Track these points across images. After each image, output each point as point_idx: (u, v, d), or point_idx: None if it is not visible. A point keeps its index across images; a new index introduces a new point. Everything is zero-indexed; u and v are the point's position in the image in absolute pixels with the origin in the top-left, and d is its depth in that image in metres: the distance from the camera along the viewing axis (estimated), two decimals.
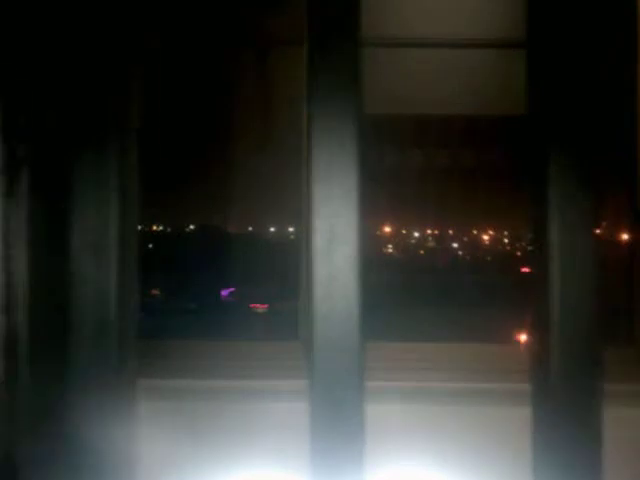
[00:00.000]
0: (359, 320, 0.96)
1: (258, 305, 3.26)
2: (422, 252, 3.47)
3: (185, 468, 1.87)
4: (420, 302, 3.20)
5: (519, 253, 3.35)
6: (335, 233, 0.95)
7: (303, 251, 2.37)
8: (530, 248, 1.09)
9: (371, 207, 3.06)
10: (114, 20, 0.94)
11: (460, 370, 2.25)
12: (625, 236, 2.51)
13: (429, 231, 3.48)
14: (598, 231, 2.58)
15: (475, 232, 3.43)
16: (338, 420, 0.95)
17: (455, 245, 3.46)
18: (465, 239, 3.45)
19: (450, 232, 3.48)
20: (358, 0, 1.00)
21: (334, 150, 0.96)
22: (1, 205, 0.73)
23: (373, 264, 3.50)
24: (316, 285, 0.94)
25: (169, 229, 3.35)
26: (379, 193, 3.22)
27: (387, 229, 3.44)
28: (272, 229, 3.37)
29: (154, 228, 3.33)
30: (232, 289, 3.31)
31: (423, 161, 3.24)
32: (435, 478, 1.93)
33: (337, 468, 0.95)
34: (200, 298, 3.27)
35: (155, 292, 3.34)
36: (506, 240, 3.42)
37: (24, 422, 0.81)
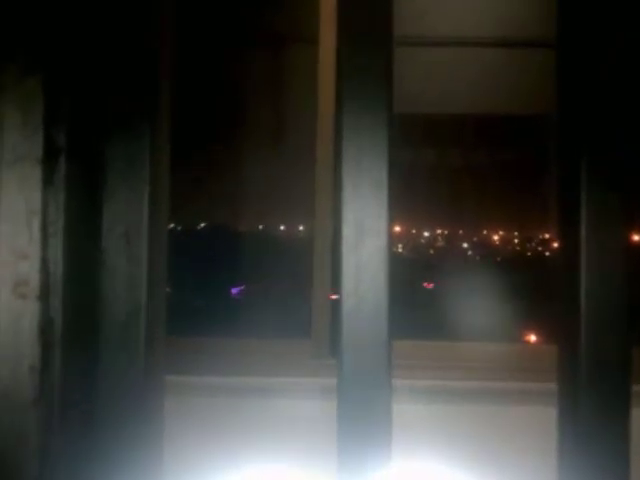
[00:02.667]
0: (388, 315, 0.96)
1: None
2: (432, 251, 3.47)
3: (211, 464, 1.88)
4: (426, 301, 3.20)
5: (529, 254, 3.35)
6: (364, 226, 0.95)
7: (316, 249, 2.37)
8: (557, 247, 1.09)
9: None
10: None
11: (471, 369, 2.26)
12: (635, 234, 2.52)
13: (439, 231, 3.48)
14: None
15: (485, 232, 3.43)
16: (365, 418, 0.95)
17: (465, 245, 3.46)
18: (475, 239, 3.45)
19: (460, 232, 3.48)
20: None
21: (364, 144, 0.96)
22: (40, 194, 0.74)
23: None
24: (344, 279, 0.94)
25: (179, 227, 3.35)
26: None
27: (397, 228, 3.44)
28: (282, 227, 3.38)
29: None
30: (242, 287, 3.32)
31: (434, 160, 3.25)
32: (459, 477, 1.94)
33: (364, 466, 0.95)
34: (210, 296, 3.27)
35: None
36: (516, 240, 3.42)
37: (56, 411, 0.81)
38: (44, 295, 0.76)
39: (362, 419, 0.94)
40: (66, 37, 0.80)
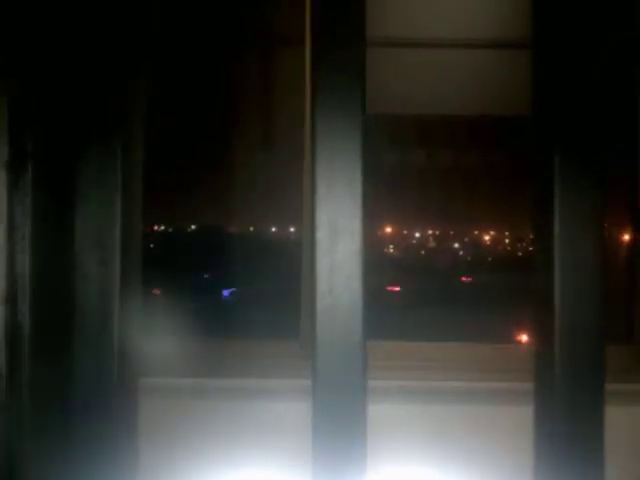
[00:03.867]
0: (362, 315, 0.96)
1: None
2: (423, 252, 3.47)
3: (186, 467, 1.87)
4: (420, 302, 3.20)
5: (520, 254, 3.35)
6: (338, 227, 0.95)
7: (305, 251, 2.37)
8: (532, 248, 1.09)
9: (372, 207, 3.05)
10: (120, 17, 0.94)
11: (460, 370, 2.25)
12: (626, 236, 2.52)
13: (430, 231, 3.48)
14: (611, 232, 2.56)
15: (476, 232, 3.43)
16: (340, 419, 0.95)
17: (456, 245, 3.46)
18: (466, 239, 3.45)
19: (451, 232, 3.48)
20: None
21: (338, 145, 0.96)
22: (6, 199, 0.74)
23: (376, 264, 3.50)
24: (318, 279, 0.94)
25: (170, 229, 3.35)
26: (380, 193, 3.22)
27: (388, 229, 3.44)
28: (273, 229, 3.37)
29: (155, 228, 3.33)
30: (233, 289, 3.31)
31: (425, 161, 3.24)
32: (437, 477, 1.93)
33: (339, 467, 0.95)
34: (201, 298, 3.27)
35: (155, 292, 3.34)
36: (507, 240, 3.42)
37: (25, 417, 0.81)
38: (11, 300, 0.76)
39: (337, 419, 0.94)
40: (34, 42, 0.80)
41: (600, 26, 1.01)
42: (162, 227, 3.33)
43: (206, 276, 3.18)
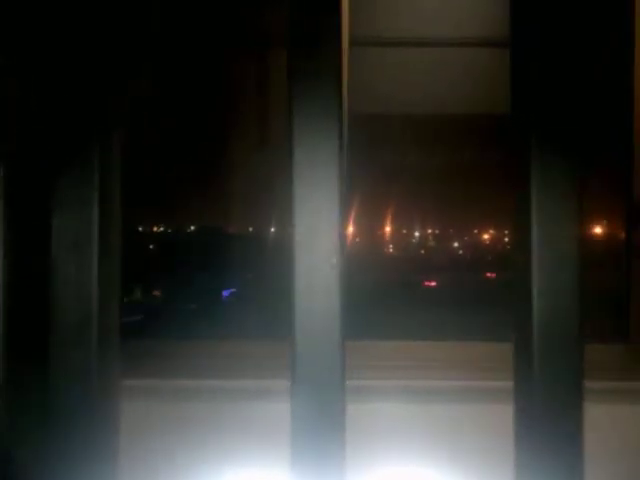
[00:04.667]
0: (340, 315, 0.96)
1: None
2: (423, 251, 3.47)
3: (170, 469, 1.88)
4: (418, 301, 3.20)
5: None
6: (316, 227, 0.95)
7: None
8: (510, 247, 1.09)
9: (372, 207, 3.06)
10: (101, 22, 0.95)
11: (452, 369, 2.25)
12: (621, 232, 2.51)
13: (430, 230, 3.48)
14: (599, 229, 2.56)
15: (476, 231, 3.43)
16: (319, 418, 0.95)
17: (456, 244, 3.46)
18: (466, 238, 3.45)
19: (451, 231, 3.48)
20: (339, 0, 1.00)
21: (315, 146, 0.96)
22: None
23: (376, 264, 3.50)
24: (296, 279, 0.94)
25: (169, 230, 3.36)
26: (379, 193, 3.22)
27: (388, 229, 3.44)
28: (273, 229, 3.38)
29: (155, 229, 3.34)
30: (233, 290, 3.32)
31: (423, 161, 3.24)
32: (436, 477, 1.94)
33: (318, 466, 0.95)
34: (201, 299, 3.28)
35: (156, 293, 3.35)
36: (506, 239, 3.42)
37: (3, 423, 0.81)
38: None
39: (316, 419, 0.95)
40: (10, 45, 0.80)
41: (579, 23, 1.01)
42: (161, 228, 3.35)
43: (206, 277, 3.18)
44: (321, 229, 0.96)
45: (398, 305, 3.10)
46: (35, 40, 0.90)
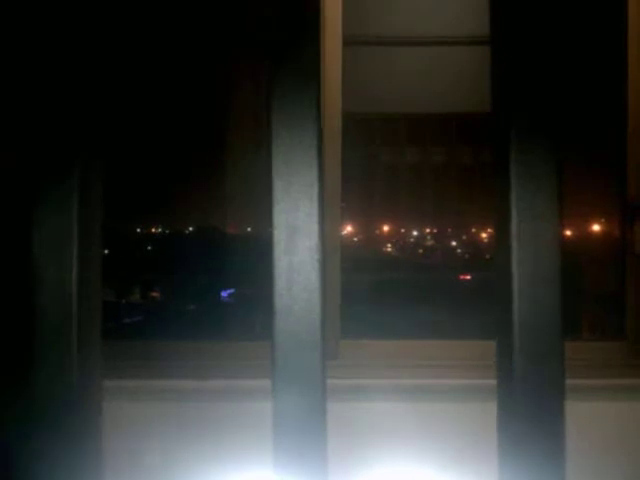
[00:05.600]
0: (321, 315, 0.96)
1: None
2: (421, 251, 3.47)
3: (152, 469, 1.89)
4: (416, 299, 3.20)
5: None
6: (295, 226, 0.96)
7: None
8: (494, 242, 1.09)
9: (370, 207, 3.05)
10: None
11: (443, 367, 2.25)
12: (617, 230, 2.51)
13: (428, 230, 3.48)
14: (600, 227, 2.56)
15: (474, 230, 3.43)
16: (300, 417, 0.95)
17: (454, 243, 3.46)
18: (464, 237, 3.45)
19: (449, 230, 3.48)
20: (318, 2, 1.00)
21: (294, 145, 0.96)
22: None
23: (374, 263, 3.50)
24: (276, 278, 0.95)
25: (168, 231, 3.37)
26: (377, 193, 3.22)
27: (386, 228, 3.44)
28: (270, 229, 3.38)
29: (153, 230, 3.35)
30: (232, 290, 3.33)
31: (420, 160, 3.24)
32: (432, 476, 1.94)
33: (301, 466, 0.95)
34: (199, 300, 3.28)
35: (154, 294, 3.36)
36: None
37: None
38: None
39: (297, 418, 0.95)
40: None
41: (558, 19, 1.01)
42: (160, 229, 3.35)
43: (204, 278, 3.19)
44: (300, 229, 0.97)
45: None
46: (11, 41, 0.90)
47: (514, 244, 0.97)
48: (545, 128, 0.98)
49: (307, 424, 0.94)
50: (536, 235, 0.97)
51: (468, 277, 3.38)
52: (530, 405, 0.96)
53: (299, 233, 0.96)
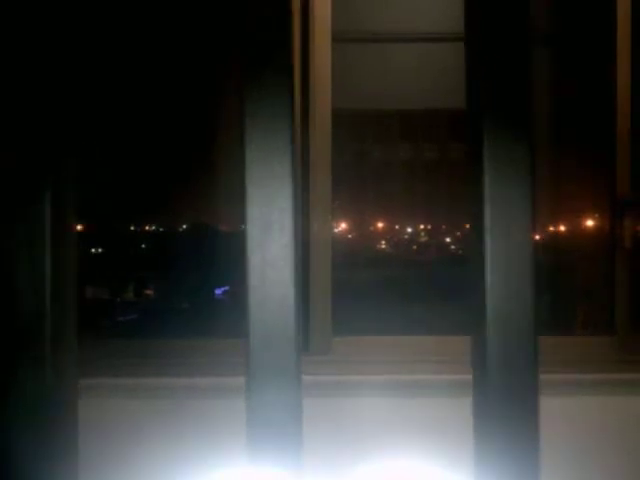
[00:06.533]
0: (295, 310, 0.96)
1: None
2: (415, 247, 3.47)
3: (129, 467, 1.89)
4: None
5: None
6: (269, 221, 0.96)
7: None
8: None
9: (364, 204, 3.05)
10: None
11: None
12: (607, 225, 2.51)
13: (422, 226, 3.48)
14: (590, 222, 2.56)
15: (468, 226, 3.42)
16: (275, 413, 0.95)
17: (448, 239, 3.46)
18: (458, 234, 3.45)
19: (443, 227, 3.48)
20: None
21: (267, 141, 0.97)
22: None
23: (369, 259, 3.50)
24: (250, 273, 0.95)
25: (162, 229, 3.37)
26: (370, 190, 3.22)
27: (380, 225, 3.44)
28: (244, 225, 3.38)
29: (147, 228, 3.35)
30: (226, 288, 3.33)
31: (413, 156, 3.25)
32: (384, 469, 1.94)
33: (276, 462, 0.96)
34: (193, 297, 3.29)
35: (148, 292, 3.36)
36: None
37: None
38: None
39: (272, 415, 0.95)
40: None
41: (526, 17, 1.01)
42: (153, 227, 3.36)
43: (198, 275, 3.19)
44: (274, 225, 0.97)
45: None
46: None
47: (487, 238, 0.97)
48: (518, 122, 0.98)
49: (282, 420, 0.95)
50: (509, 229, 0.97)
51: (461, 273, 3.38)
52: (504, 400, 0.97)
53: (272, 228, 0.96)
